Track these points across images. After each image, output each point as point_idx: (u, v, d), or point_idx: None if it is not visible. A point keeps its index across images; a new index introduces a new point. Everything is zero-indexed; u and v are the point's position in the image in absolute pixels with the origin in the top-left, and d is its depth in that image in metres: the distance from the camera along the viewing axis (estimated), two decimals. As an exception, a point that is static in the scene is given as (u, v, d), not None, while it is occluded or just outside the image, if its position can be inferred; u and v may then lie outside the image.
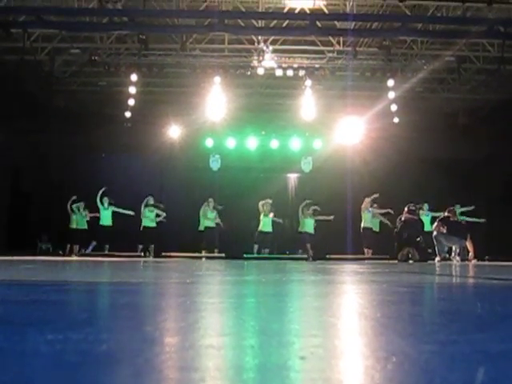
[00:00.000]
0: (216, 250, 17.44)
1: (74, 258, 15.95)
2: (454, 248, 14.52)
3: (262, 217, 17.29)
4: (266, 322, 2.42)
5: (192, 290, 4.41)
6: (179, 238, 17.86)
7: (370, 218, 17.29)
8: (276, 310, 2.93)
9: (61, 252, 17.38)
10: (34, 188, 18.45)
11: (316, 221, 17.36)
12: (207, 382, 1.26)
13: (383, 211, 17.16)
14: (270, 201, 17.31)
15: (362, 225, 17.24)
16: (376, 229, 17.54)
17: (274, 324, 2.32)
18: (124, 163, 18.76)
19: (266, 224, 17.24)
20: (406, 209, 15.62)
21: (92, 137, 18.49)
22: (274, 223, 17.46)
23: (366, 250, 17.12)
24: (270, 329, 2.15)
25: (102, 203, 17.19)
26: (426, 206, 16.79)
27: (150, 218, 17.07)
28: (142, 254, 16.80)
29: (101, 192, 16.99)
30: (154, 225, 17.11)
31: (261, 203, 17.27)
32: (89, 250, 17.38)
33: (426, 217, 16.62)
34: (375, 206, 17.25)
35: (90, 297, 3.94)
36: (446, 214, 14.77)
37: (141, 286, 5.00)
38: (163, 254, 16.61)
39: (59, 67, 16.93)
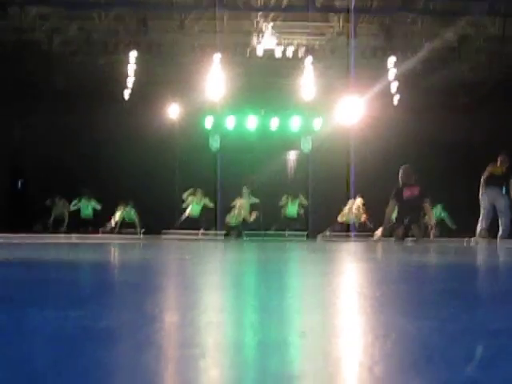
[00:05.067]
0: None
1: (74, 238, 15.98)
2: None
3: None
4: (266, 299, 2.43)
5: (192, 268, 4.42)
6: (178, 217, 17.93)
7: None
8: (276, 288, 2.94)
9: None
10: (33, 169, 18.42)
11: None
12: (207, 357, 1.26)
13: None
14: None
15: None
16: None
17: (274, 302, 2.33)
18: (123, 143, 18.68)
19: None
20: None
21: (91, 116, 18.39)
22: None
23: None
24: (270, 306, 2.16)
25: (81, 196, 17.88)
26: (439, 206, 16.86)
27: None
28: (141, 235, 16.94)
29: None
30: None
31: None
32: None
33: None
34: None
35: (90, 275, 3.95)
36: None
37: (141, 264, 5.01)
38: (163, 232, 16.64)
39: (57, 46, 16.80)
